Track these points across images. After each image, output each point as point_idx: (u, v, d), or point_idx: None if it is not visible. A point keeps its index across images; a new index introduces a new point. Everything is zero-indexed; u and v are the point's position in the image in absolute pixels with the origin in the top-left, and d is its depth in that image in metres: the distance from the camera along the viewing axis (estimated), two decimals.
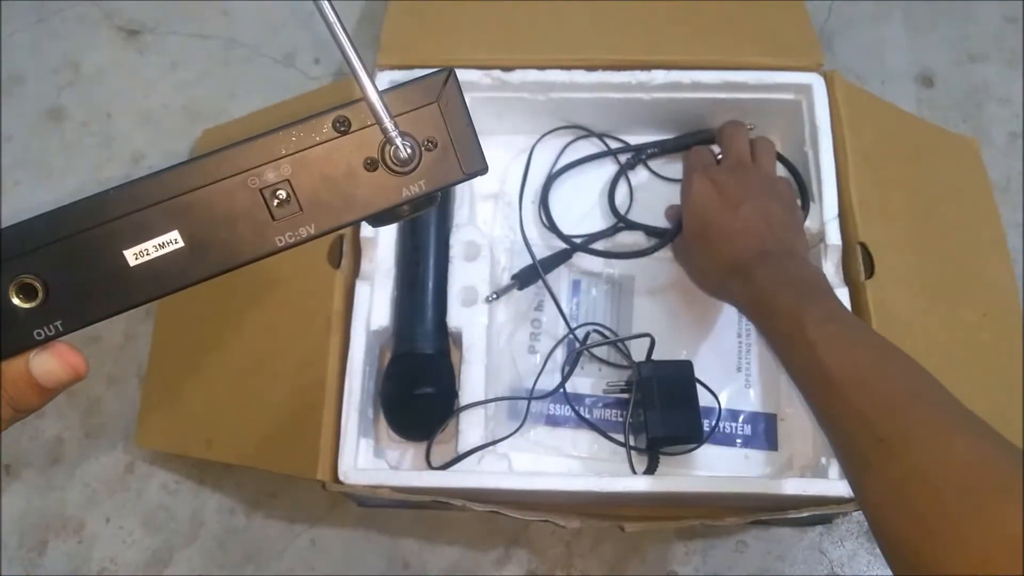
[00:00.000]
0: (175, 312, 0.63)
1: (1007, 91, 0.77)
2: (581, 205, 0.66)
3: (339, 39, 0.26)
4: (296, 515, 0.63)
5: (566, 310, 0.62)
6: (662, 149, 0.67)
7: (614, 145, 0.68)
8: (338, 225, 0.28)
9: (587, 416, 0.59)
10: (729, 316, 0.63)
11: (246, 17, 0.82)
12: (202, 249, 0.26)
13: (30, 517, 0.63)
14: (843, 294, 0.56)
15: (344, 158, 0.27)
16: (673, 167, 0.67)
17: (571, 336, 0.61)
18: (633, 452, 0.57)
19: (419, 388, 0.57)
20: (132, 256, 0.26)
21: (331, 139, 0.27)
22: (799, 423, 0.59)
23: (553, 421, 0.60)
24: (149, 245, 0.26)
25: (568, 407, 0.59)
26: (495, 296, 0.61)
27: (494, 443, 0.57)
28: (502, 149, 0.67)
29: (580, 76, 0.63)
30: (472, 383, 0.58)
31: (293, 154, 0.27)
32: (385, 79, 0.63)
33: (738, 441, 0.59)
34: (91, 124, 0.78)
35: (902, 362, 0.40)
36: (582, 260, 0.64)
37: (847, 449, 0.39)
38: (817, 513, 0.53)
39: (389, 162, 0.27)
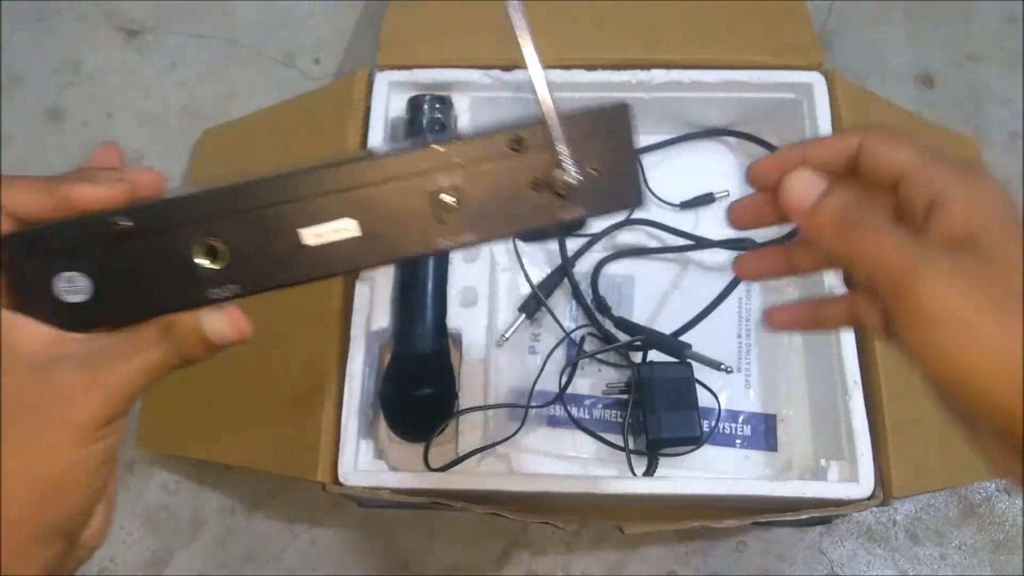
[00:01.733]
0: None
1: (1007, 91, 0.77)
2: None
3: (530, 64, 0.27)
4: (296, 515, 0.63)
5: (566, 311, 0.61)
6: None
7: None
8: (495, 237, 0.29)
9: (586, 417, 0.59)
10: (729, 316, 0.63)
11: (246, 17, 0.82)
12: (373, 239, 0.28)
13: None
14: None
15: (513, 176, 0.29)
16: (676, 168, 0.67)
17: (571, 339, 0.61)
18: (633, 454, 0.57)
19: (419, 389, 0.57)
20: (311, 236, 0.28)
21: (504, 156, 0.28)
22: (799, 424, 0.59)
23: (553, 422, 0.60)
24: (327, 228, 0.28)
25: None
26: (506, 338, 0.61)
27: (494, 445, 0.57)
28: None
29: (580, 76, 0.63)
30: (472, 384, 0.58)
31: (467, 165, 0.28)
32: (385, 80, 0.63)
33: (738, 442, 0.59)
34: (91, 124, 0.78)
35: None
36: (581, 264, 0.64)
37: None
38: (816, 515, 0.53)
39: (555, 185, 0.29)
